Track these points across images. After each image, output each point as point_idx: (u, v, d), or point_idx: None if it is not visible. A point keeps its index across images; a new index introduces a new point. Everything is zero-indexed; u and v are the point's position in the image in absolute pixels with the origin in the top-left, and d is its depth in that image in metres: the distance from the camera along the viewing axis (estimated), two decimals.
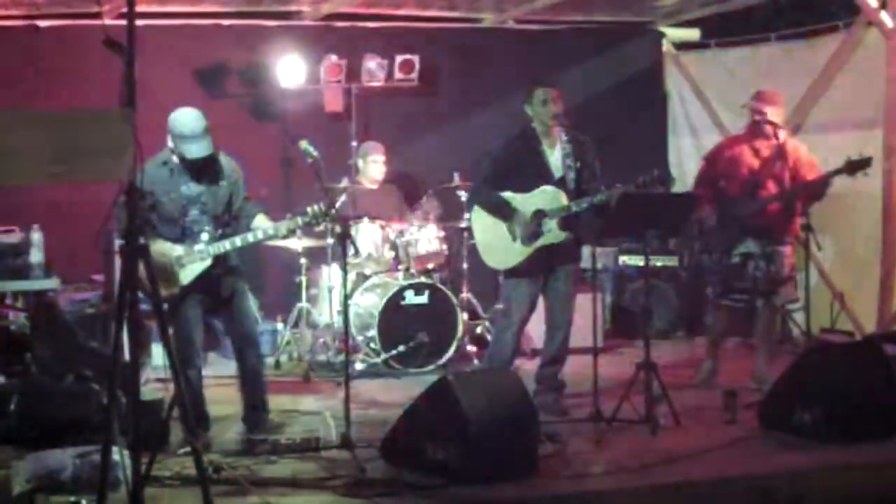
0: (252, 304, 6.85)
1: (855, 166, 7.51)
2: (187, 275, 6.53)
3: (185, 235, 6.54)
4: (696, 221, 7.96)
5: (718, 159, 8.02)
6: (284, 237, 7.05)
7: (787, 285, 7.84)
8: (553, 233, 7.21)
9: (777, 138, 7.71)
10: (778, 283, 7.81)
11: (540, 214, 7.19)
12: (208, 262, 6.53)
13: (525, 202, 7.22)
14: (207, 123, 6.49)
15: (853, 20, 9.68)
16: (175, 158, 6.52)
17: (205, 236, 6.53)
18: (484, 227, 7.43)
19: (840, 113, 9.75)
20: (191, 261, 6.51)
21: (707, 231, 7.96)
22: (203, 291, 6.60)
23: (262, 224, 6.67)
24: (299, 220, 6.56)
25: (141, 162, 5.04)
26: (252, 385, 6.79)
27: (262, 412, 6.79)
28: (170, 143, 6.51)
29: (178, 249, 6.51)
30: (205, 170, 6.56)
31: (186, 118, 6.46)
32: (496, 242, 7.34)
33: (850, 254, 9.77)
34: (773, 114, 7.73)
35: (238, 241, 6.57)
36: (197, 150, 6.44)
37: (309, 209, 6.50)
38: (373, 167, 9.61)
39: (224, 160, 6.70)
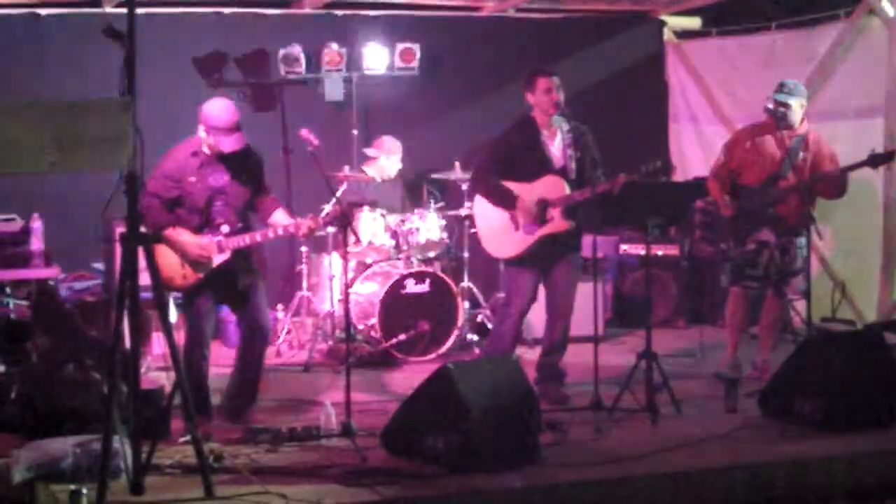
0: (266, 298, 6.87)
1: (878, 160, 7.49)
2: (209, 265, 6.55)
3: (206, 226, 6.54)
4: (709, 207, 7.91)
5: (739, 147, 7.92)
6: (304, 236, 7.06)
7: (798, 277, 7.81)
8: (557, 221, 7.20)
9: (799, 129, 7.70)
10: (791, 274, 7.79)
11: (543, 203, 7.18)
12: (227, 254, 6.54)
13: (527, 192, 7.21)
14: (240, 116, 6.52)
15: (854, 8, 9.66)
16: (205, 149, 6.52)
17: (225, 228, 6.53)
18: (486, 216, 7.42)
19: (841, 101, 9.73)
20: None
21: (721, 220, 7.91)
22: (219, 283, 6.61)
23: (282, 221, 6.68)
24: (320, 220, 6.60)
25: (141, 150, 5.06)
26: (250, 372, 6.78)
27: (246, 401, 6.78)
28: (200, 133, 6.50)
29: (202, 240, 6.54)
30: (232, 162, 6.56)
31: (221, 111, 6.47)
32: (498, 231, 7.33)
33: (851, 242, 9.76)
34: (797, 104, 7.69)
35: (258, 236, 6.60)
36: (231, 143, 6.45)
37: (330, 210, 6.55)
38: (394, 166, 9.60)
39: (250, 152, 6.69)
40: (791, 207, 7.68)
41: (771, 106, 7.66)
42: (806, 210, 7.50)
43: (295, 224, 6.62)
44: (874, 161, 7.50)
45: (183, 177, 6.46)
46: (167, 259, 6.42)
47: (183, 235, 6.46)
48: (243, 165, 6.62)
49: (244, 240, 6.54)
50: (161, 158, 6.51)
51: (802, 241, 7.74)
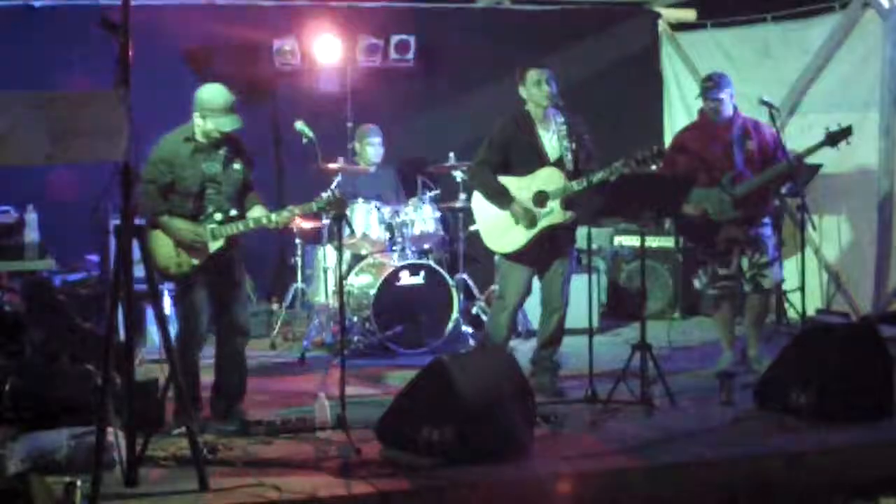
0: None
1: (836, 137, 7.47)
2: (204, 252, 6.49)
3: (199, 214, 6.48)
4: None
5: (681, 154, 7.84)
6: (298, 217, 7.00)
7: (772, 267, 7.79)
8: (556, 212, 7.18)
9: (735, 120, 7.68)
10: (764, 267, 7.76)
11: (542, 195, 7.17)
12: (221, 242, 6.49)
13: (525, 185, 7.20)
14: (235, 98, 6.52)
15: (850, 0, 9.66)
16: (199, 136, 6.48)
17: (218, 216, 6.49)
18: (485, 211, 7.39)
19: (836, 93, 9.74)
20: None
21: (686, 225, 7.87)
22: (214, 273, 6.54)
23: (261, 211, 6.62)
24: (314, 205, 6.54)
25: (135, 142, 5.05)
26: (234, 371, 6.69)
27: (234, 400, 6.66)
28: (195, 120, 6.46)
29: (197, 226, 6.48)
30: (225, 151, 6.53)
31: (218, 92, 6.46)
32: (499, 226, 7.29)
33: (846, 234, 9.77)
34: (727, 95, 7.68)
35: (251, 223, 6.51)
36: (229, 123, 6.43)
37: (324, 195, 6.53)
38: (369, 150, 9.56)
39: (242, 145, 6.66)
40: (752, 200, 7.64)
41: (702, 103, 7.67)
42: (797, 201, 7.47)
43: (290, 210, 6.53)
44: (832, 139, 7.47)
45: (175, 161, 6.40)
46: (162, 247, 6.40)
47: (177, 222, 6.44)
48: (235, 156, 6.58)
49: (238, 227, 6.50)
50: (154, 145, 6.49)
51: (769, 230, 7.73)
